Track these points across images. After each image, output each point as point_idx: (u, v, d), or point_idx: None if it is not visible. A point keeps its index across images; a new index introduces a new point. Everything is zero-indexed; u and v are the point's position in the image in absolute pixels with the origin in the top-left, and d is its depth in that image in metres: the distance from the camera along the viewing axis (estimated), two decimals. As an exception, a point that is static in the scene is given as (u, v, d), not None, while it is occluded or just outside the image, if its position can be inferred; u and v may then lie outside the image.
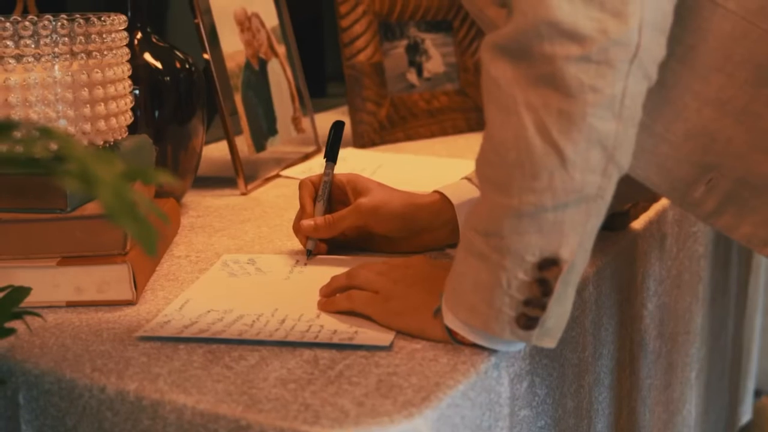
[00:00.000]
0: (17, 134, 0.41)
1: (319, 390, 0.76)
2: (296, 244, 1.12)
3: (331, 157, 1.13)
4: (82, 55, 0.97)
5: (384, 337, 0.85)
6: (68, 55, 0.96)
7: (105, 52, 0.99)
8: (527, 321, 0.78)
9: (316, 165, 1.54)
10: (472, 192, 1.07)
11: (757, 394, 2.20)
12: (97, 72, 0.98)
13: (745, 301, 1.92)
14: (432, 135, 1.74)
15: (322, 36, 2.19)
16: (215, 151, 1.62)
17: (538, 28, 0.71)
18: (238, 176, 1.37)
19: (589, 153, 0.73)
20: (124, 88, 1.03)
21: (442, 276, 0.88)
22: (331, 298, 0.92)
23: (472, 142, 1.71)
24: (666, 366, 1.38)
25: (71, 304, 0.94)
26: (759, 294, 2.02)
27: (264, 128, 1.46)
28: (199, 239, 1.16)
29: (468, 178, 1.09)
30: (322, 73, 2.18)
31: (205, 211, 1.29)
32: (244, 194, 1.38)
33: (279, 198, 1.36)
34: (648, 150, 0.86)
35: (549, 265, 0.76)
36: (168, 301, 0.96)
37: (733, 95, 0.83)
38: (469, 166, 1.50)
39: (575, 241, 0.76)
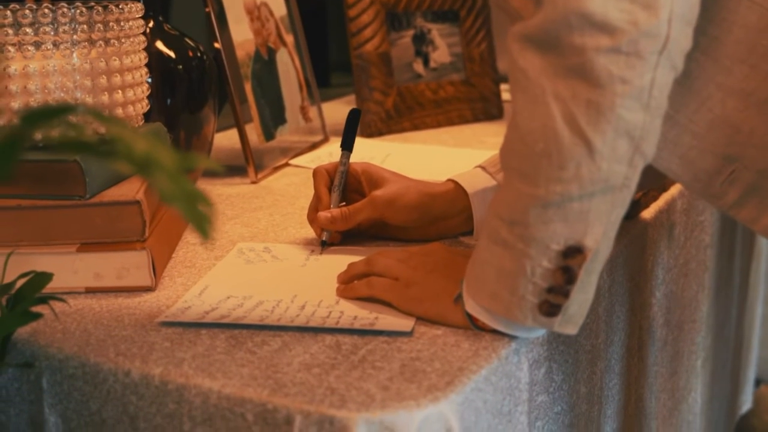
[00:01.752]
0: (71, 119, 0.41)
1: (344, 374, 0.77)
2: (310, 231, 1.13)
3: (347, 146, 1.13)
4: (101, 42, 0.97)
5: (405, 323, 0.86)
6: (87, 43, 0.96)
7: (123, 40, 0.99)
8: (550, 308, 0.79)
9: (324, 154, 1.54)
10: (487, 181, 1.07)
11: (757, 383, 2.22)
12: (115, 59, 0.98)
13: (747, 291, 1.93)
14: (438, 125, 1.75)
15: (326, 26, 2.20)
16: (223, 140, 1.62)
17: (569, 19, 0.72)
18: (248, 165, 1.38)
19: (616, 143, 0.73)
20: (141, 75, 1.03)
21: (461, 263, 0.89)
22: (351, 284, 0.93)
23: (479, 132, 1.73)
24: (672, 354, 1.39)
25: (90, 290, 0.95)
26: (760, 284, 2.03)
27: (273, 117, 1.47)
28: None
29: (482, 167, 1.09)
30: (325, 63, 2.18)
31: (216, 199, 1.30)
32: (254, 183, 1.38)
33: (289, 186, 1.36)
34: (671, 140, 0.86)
35: (573, 253, 0.77)
36: (186, 288, 0.96)
37: (757, 86, 0.84)
38: (476, 156, 1.51)
39: (600, 230, 0.76)
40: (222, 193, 1.33)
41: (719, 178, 0.87)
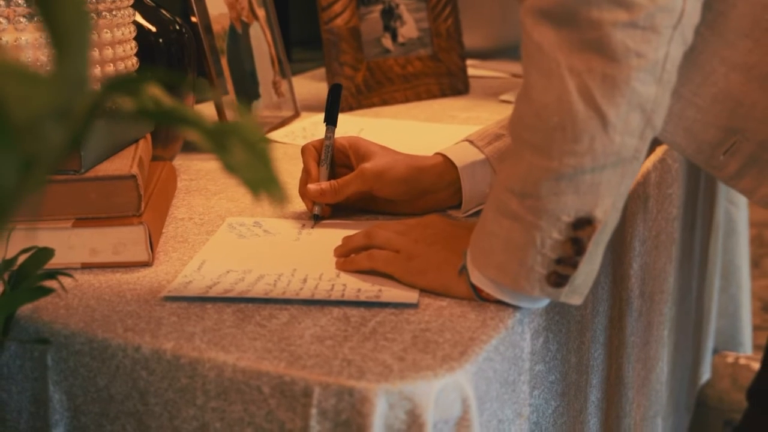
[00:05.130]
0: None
1: (357, 346, 0.78)
2: (297, 206, 1.12)
3: (331, 121, 1.13)
4: (93, 14, 0.96)
5: (410, 295, 0.87)
6: (79, 15, 0.95)
7: (114, 12, 0.98)
8: (558, 279, 0.80)
9: (297, 129, 1.54)
10: (475, 155, 1.08)
11: (713, 353, 2.27)
12: (106, 32, 0.97)
13: (707, 263, 1.97)
14: (406, 100, 1.75)
15: (287, 1, 2.18)
16: (193, 115, 1.61)
17: None
18: (226, 140, 1.37)
19: (629, 116, 0.75)
20: (131, 48, 1.02)
21: (462, 234, 0.90)
22: (351, 257, 0.93)
23: (447, 107, 1.74)
24: (645, 324, 1.42)
25: (86, 266, 0.94)
26: (717, 256, 2.08)
27: (248, 92, 1.46)
28: (198, 202, 1.16)
29: (470, 141, 1.10)
30: (287, 39, 2.17)
31: (196, 174, 1.29)
32: (231, 158, 1.37)
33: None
34: (676, 114, 0.88)
35: (583, 224, 0.78)
36: (182, 262, 0.96)
37: (759, 60, 0.86)
38: (449, 131, 1.52)
39: (609, 202, 0.78)
40: (201, 168, 1.32)
41: (721, 150, 0.89)
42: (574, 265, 0.80)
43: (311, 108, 1.68)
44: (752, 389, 1.60)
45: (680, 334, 1.76)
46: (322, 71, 1.98)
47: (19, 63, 0.33)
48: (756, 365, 2.42)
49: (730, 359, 2.46)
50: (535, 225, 0.78)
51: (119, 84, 0.39)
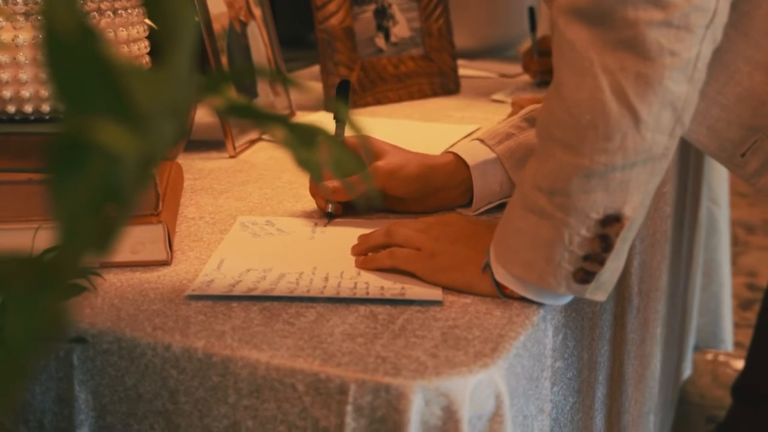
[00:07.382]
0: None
1: (389, 343, 0.78)
2: (307, 205, 1.13)
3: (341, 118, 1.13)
4: (109, 12, 0.95)
5: (434, 292, 0.87)
6: (96, 13, 0.94)
7: (129, 10, 0.98)
8: (584, 275, 0.81)
9: (294, 128, 1.53)
10: (486, 153, 1.09)
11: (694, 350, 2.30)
12: (122, 30, 0.97)
13: (692, 261, 2.00)
14: (400, 99, 1.76)
15: (273, 2, 2.18)
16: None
17: None
18: (227, 139, 1.36)
19: (661, 114, 0.76)
20: (145, 47, 1.02)
21: (482, 232, 0.91)
22: (372, 255, 0.94)
23: (441, 106, 1.75)
24: (642, 321, 1.43)
25: (104, 265, 0.93)
26: (700, 254, 2.10)
27: (246, 91, 1.46)
28: (206, 201, 1.16)
29: (480, 140, 1.10)
30: (274, 38, 2.16)
31: (199, 173, 1.28)
32: (232, 157, 1.37)
33: (270, 160, 1.36)
34: (700, 112, 0.89)
35: (612, 221, 0.79)
36: (200, 261, 0.96)
37: None
38: (448, 130, 1.52)
39: (638, 199, 0.79)
40: (204, 167, 1.32)
41: (743, 148, 0.90)
42: (601, 262, 0.80)
43: (304, 107, 1.68)
44: (737, 385, 1.62)
45: (669, 331, 1.78)
46: (310, 71, 1.98)
47: (134, 60, 0.34)
48: (735, 362, 2.46)
49: (709, 356, 2.50)
50: (563, 222, 0.79)
51: (210, 82, 0.39)
